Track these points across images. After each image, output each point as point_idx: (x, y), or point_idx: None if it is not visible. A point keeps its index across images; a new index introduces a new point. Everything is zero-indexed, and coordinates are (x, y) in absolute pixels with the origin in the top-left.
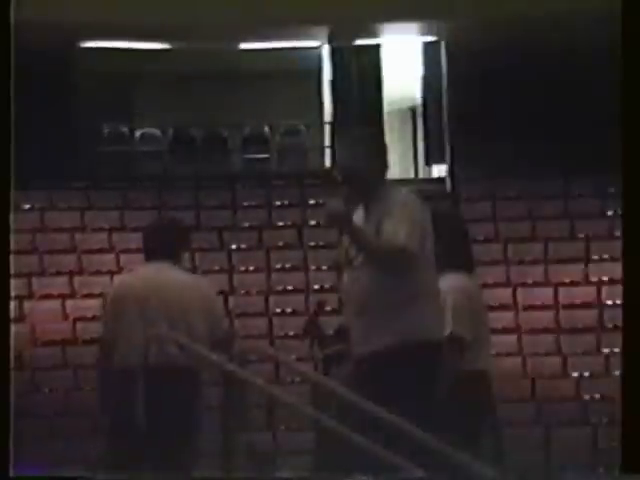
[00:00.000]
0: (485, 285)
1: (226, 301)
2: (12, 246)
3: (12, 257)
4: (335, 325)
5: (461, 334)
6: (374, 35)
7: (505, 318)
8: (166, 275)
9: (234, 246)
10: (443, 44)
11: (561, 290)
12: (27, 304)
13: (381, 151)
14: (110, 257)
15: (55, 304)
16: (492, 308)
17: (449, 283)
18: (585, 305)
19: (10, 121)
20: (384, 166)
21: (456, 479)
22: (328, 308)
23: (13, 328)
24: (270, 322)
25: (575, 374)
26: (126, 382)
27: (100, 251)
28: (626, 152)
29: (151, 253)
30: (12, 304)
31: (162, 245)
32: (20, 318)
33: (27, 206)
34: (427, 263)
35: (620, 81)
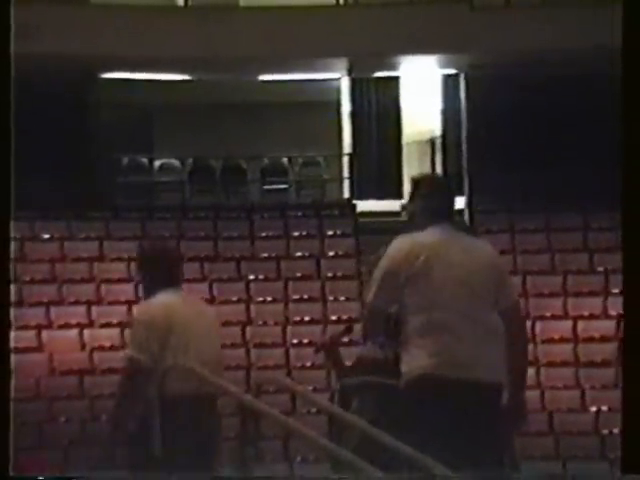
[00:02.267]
0: None
1: (243, 331)
2: (30, 275)
3: (30, 287)
4: (353, 355)
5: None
6: (393, 67)
7: None
8: (192, 302)
9: (252, 276)
10: (462, 77)
11: (580, 323)
12: (45, 333)
13: (413, 200)
14: (128, 287)
15: (73, 333)
16: None
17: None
18: (604, 339)
19: (10, 153)
20: (413, 214)
21: None
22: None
23: (31, 357)
24: (287, 353)
25: (594, 408)
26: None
27: (118, 281)
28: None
29: (172, 281)
30: (26, 333)
31: (178, 273)
32: (38, 347)
33: (46, 236)
34: (409, 305)
35: (622, 114)
